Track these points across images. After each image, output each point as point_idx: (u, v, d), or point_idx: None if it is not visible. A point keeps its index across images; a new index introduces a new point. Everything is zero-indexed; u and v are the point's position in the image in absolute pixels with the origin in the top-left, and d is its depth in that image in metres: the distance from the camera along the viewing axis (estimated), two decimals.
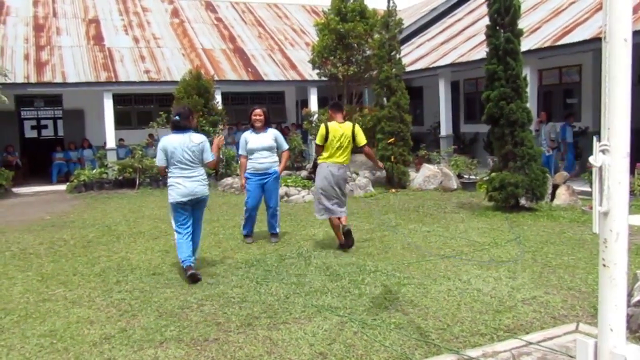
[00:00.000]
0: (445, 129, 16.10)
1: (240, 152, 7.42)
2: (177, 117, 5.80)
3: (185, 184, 5.72)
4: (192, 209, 5.87)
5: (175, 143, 5.71)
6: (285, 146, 7.48)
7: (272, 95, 21.84)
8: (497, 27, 8.95)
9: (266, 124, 7.39)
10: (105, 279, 5.82)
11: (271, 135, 7.35)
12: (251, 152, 7.26)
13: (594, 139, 2.38)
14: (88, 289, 5.48)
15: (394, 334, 4.06)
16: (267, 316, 4.51)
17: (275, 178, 7.33)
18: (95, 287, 5.51)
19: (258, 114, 7.30)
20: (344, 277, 5.55)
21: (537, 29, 13.54)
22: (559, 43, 11.95)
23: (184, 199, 5.74)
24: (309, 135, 17.26)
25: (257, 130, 7.32)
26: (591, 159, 2.35)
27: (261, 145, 7.23)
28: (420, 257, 6.35)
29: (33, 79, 15.69)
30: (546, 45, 12.23)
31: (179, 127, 5.79)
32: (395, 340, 3.97)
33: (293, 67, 19.26)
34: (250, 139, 7.30)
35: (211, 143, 6.06)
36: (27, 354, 3.93)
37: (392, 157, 12.41)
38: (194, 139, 5.77)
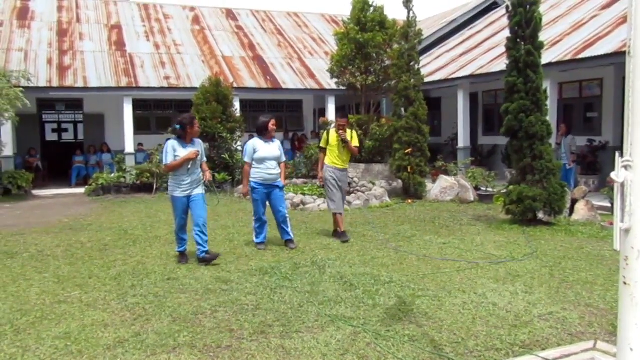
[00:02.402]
0: (463, 140, 16.02)
1: (247, 159, 7.43)
2: (176, 126, 6.69)
3: None
4: None
5: None
6: (284, 158, 7.65)
7: (290, 103, 21.93)
8: (518, 40, 8.90)
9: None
10: (121, 282, 5.85)
11: (278, 145, 7.51)
12: (261, 160, 7.31)
13: (617, 154, 2.35)
14: (103, 292, 5.52)
15: (407, 346, 4.03)
16: (280, 324, 4.50)
17: (281, 188, 7.51)
18: (111, 291, 5.55)
19: (274, 124, 7.49)
20: (358, 287, 5.52)
21: (558, 42, 13.44)
22: (580, 56, 11.85)
23: None
24: None
25: (265, 139, 7.41)
26: (613, 175, 2.31)
27: (272, 155, 7.35)
28: (436, 269, 6.30)
29: (55, 83, 15.92)
30: (567, 58, 12.12)
31: (174, 133, 6.80)
32: (408, 352, 3.93)
33: (312, 75, 19.33)
34: (259, 147, 7.34)
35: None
36: (42, 355, 3.96)
37: (409, 168, 12.36)
38: None
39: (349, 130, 8.02)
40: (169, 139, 6.71)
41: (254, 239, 7.58)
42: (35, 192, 14.81)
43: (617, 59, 11.00)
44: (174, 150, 6.55)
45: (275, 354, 3.92)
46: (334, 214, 8.11)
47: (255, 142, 7.42)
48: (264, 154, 7.30)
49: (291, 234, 7.60)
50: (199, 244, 6.64)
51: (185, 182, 6.57)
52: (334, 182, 7.99)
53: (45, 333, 4.38)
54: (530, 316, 4.65)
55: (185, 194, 6.60)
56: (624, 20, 12.24)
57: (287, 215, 7.58)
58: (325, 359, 3.84)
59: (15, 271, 6.40)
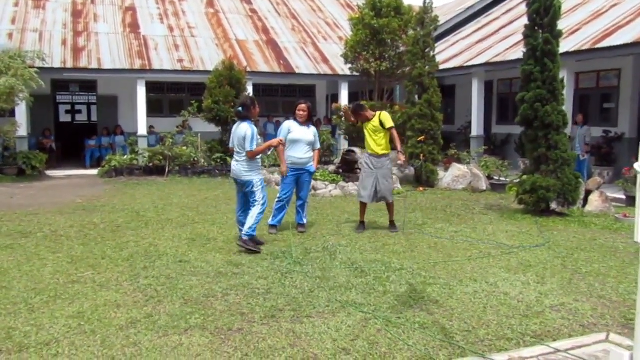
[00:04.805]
0: (476, 129, 15.89)
1: (282, 137, 7.28)
2: (239, 109, 6.67)
3: (233, 164, 6.73)
4: (241, 188, 6.71)
5: (234, 129, 6.70)
6: (319, 145, 7.66)
7: (303, 88, 21.82)
8: (536, 28, 8.78)
9: (309, 120, 7.55)
10: (133, 264, 5.90)
11: (313, 131, 7.52)
12: (293, 142, 7.32)
13: (639, 145, 2.31)
14: (116, 273, 5.57)
15: (418, 334, 4.03)
16: (291, 309, 4.52)
17: (310, 174, 7.51)
18: (123, 272, 5.59)
19: (302, 109, 7.43)
20: (369, 274, 5.53)
21: (576, 31, 13.24)
22: (599, 46, 11.67)
23: (232, 177, 6.82)
24: (338, 130, 17.21)
25: (300, 122, 7.44)
26: (637, 166, 2.27)
27: (305, 139, 7.37)
28: (447, 257, 6.29)
29: (69, 64, 15.96)
30: (585, 47, 11.95)
31: (239, 117, 6.69)
32: (419, 339, 3.93)
33: (325, 61, 19.22)
34: (294, 129, 7.37)
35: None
36: (55, 334, 4.00)
37: (422, 155, 12.30)
38: (241, 128, 6.55)
39: (377, 113, 7.62)
40: (240, 123, 6.60)
41: (270, 220, 7.53)
42: (49, 172, 14.93)
43: (637, 49, 10.82)
44: (258, 135, 6.60)
45: (286, 338, 3.94)
46: (360, 203, 7.84)
47: (291, 124, 7.46)
48: (296, 136, 7.33)
49: (305, 219, 7.66)
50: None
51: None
52: (366, 168, 7.66)
53: (59, 312, 4.43)
54: (541, 306, 4.63)
55: None
56: None
57: (307, 202, 7.63)
58: (335, 344, 3.85)
59: (30, 250, 6.48)
